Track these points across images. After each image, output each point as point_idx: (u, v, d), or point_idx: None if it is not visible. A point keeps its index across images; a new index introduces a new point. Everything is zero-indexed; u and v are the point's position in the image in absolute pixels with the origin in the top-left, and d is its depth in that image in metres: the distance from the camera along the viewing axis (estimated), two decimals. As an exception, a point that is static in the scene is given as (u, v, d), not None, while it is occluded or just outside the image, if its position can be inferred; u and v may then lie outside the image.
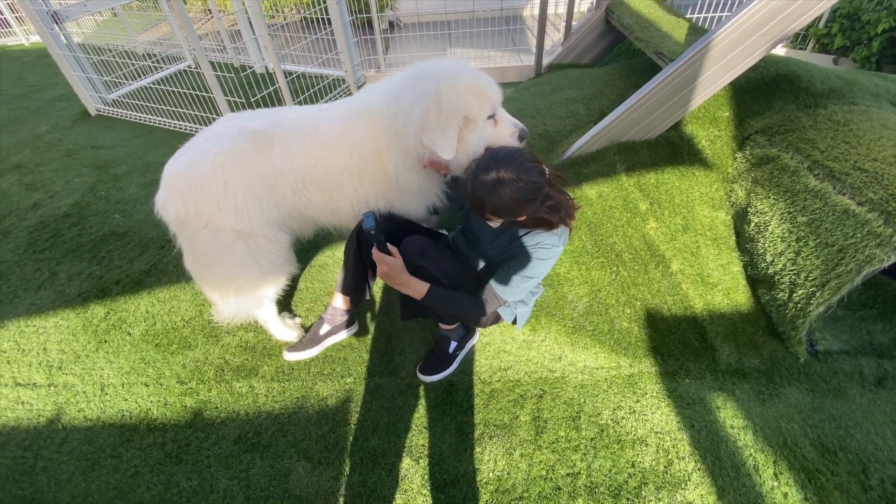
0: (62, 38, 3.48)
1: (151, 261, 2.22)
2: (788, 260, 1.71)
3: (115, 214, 2.56)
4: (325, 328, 1.78)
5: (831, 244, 1.60)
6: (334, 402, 1.68)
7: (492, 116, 1.39)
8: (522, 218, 1.27)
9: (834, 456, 1.49)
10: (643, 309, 1.83)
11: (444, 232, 1.88)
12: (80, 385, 1.75)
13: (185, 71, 4.05)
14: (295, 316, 1.96)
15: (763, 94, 2.12)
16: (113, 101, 3.79)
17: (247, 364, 1.80)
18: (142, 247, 2.31)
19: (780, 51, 3.99)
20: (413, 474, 1.48)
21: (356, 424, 1.62)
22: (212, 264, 1.58)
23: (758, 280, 1.86)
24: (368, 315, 1.95)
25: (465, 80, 1.33)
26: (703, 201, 1.98)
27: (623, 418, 1.59)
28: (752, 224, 1.88)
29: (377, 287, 2.07)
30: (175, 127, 3.50)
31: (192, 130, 3.43)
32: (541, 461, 1.49)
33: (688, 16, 2.65)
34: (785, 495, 1.40)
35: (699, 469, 1.46)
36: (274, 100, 3.31)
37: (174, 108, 3.43)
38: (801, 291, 1.65)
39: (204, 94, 3.20)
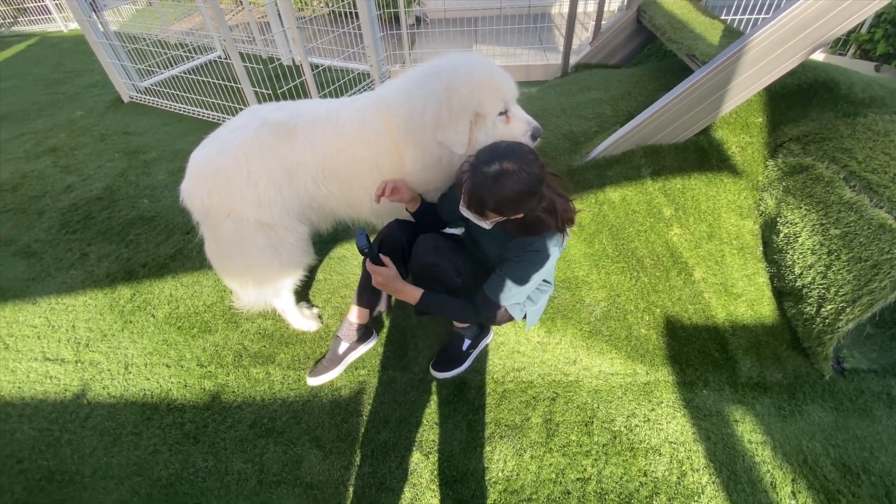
0: (99, 25, 3.59)
1: (177, 246, 2.28)
2: (818, 273, 1.66)
3: (144, 199, 2.63)
4: (343, 346, 1.75)
5: (865, 259, 1.54)
6: (347, 392, 1.70)
7: (504, 113, 1.37)
8: (519, 216, 1.25)
9: (856, 477, 1.44)
10: (663, 316, 1.79)
11: (458, 231, 1.87)
12: (105, 363, 1.81)
13: (215, 61, 4.12)
14: (312, 306, 1.99)
15: (799, 101, 2.05)
16: (145, 88, 3.89)
17: (264, 351, 1.83)
18: (168, 232, 2.37)
19: (818, 56, 3.84)
20: (422, 469, 1.49)
21: (368, 416, 1.64)
22: (233, 254, 1.61)
23: (784, 293, 1.81)
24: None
25: (476, 74, 1.32)
26: (730, 209, 1.93)
27: (637, 426, 1.57)
28: (782, 235, 1.82)
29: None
30: (203, 116, 3.58)
31: (219, 120, 3.50)
32: (551, 464, 1.48)
33: (722, 17, 2.57)
34: (802, 515, 1.37)
35: (714, 482, 1.43)
36: (300, 92, 3.35)
37: (203, 98, 3.50)
38: (830, 306, 1.59)
39: (232, 84, 3.25)
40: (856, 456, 1.49)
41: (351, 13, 3.62)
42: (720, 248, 1.88)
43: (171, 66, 4.05)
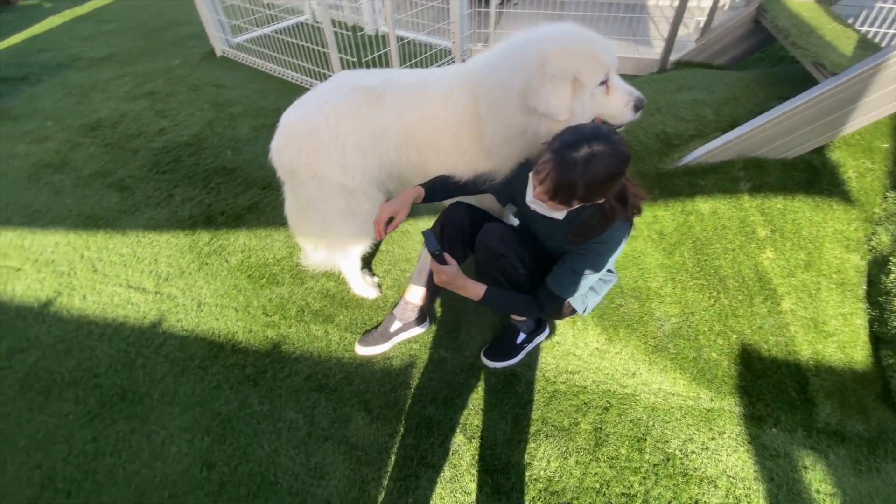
0: (204, -21, 3.75)
1: (253, 199, 2.38)
2: (932, 325, 1.47)
3: (228, 151, 2.77)
4: (395, 325, 1.75)
5: None
6: (398, 363, 1.73)
7: (603, 83, 1.28)
8: (601, 201, 1.19)
9: (941, 556, 1.29)
10: (739, 343, 1.67)
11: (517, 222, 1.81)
12: (181, 297, 1.94)
13: (303, 24, 4.22)
14: (374, 275, 2.03)
15: (938, 129, 1.80)
16: (237, 44, 4.05)
17: (325, 310, 1.89)
18: (247, 184, 2.49)
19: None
20: (464, 451, 1.50)
21: (416, 390, 1.65)
22: (312, 214, 1.65)
23: (884, 340, 1.62)
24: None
25: (573, 42, 1.23)
26: (835, 239, 1.74)
27: (693, 452, 1.49)
28: (892, 275, 1.63)
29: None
30: (288, 77, 3.68)
31: (302, 82, 3.59)
32: (596, 473, 1.44)
33: (855, 27, 2.29)
34: (872, 583, 1.24)
35: (772, 527, 1.33)
36: (383, 62, 3.36)
37: (290, 59, 3.60)
38: (941, 364, 1.42)
39: (319, 48, 3.32)
40: (943, 532, 1.34)
41: (441, -13, 3.57)
42: (817, 281, 1.71)
43: (263, 24, 4.18)
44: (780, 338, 1.70)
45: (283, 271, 2.03)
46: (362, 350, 1.76)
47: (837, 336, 1.66)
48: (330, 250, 1.77)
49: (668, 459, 1.47)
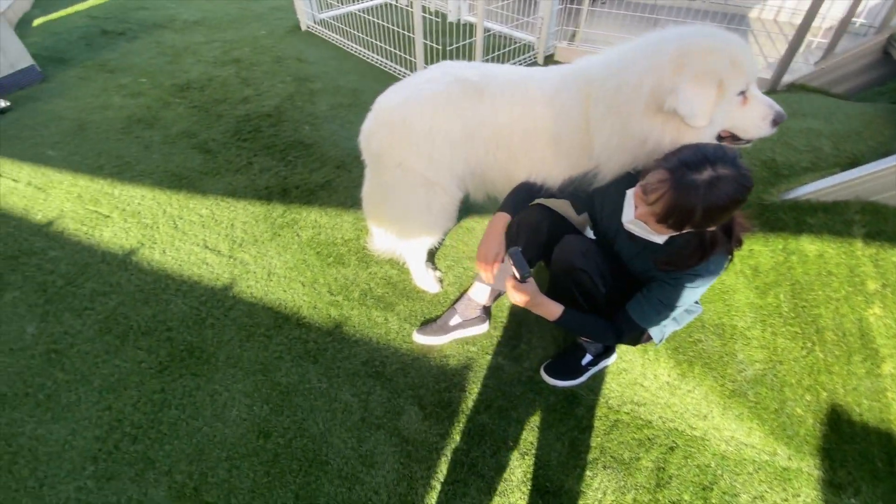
0: (299, -47, 3.82)
1: (327, 177, 2.41)
2: None
3: (306, 126, 2.81)
4: (455, 319, 1.72)
5: None
6: (455, 363, 1.70)
7: (741, 93, 1.15)
8: (712, 228, 1.09)
9: None
10: (828, 402, 1.52)
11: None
12: (252, 265, 1.99)
13: (388, 5, 4.22)
14: (437, 269, 2.00)
15: None
16: (321, 20, 4.11)
17: (386, 297, 1.89)
18: (321, 161, 2.52)
19: None
20: (516, 467, 1.45)
21: (470, 394, 1.62)
22: (391, 201, 1.64)
23: None
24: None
25: (719, 43, 1.11)
26: (961, 305, 1.55)
27: (764, 512, 1.37)
28: None
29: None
30: (369, 58, 3.70)
31: (381, 64, 3.60)
32: (655, 515, 1.36)
33: None
34: None
35: None
36: (467, 52, 3.30)
37: (372, 40, 3.61)
38: None
39: (403, 31, 3.30)
40: None
41: (534, -20, 3.45)
42: (931, 348, 1.53)
43: (350, 2, 4.22)
44: (875, 403, 1.53)
45: (349, 252, 2.04)
46: (420, 338, 1.74)
47: (948, 413, 1.48)
48: (401, 238, 1.76)
49: (736, 515, 1.36)
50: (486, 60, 3.34)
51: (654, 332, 1.37)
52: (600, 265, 1.33)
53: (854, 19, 2.52)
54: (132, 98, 3.13)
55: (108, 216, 2.20)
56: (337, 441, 1.49)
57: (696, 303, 1.42)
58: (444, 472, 1.43)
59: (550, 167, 1.45)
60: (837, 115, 2.10)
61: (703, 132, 1.14)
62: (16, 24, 4.13)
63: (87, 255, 2.01)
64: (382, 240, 1.88)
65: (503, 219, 1.40)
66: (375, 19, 3.59)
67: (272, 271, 1.96)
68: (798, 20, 4.13)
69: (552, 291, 1.36)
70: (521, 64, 3.56)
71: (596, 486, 1.41)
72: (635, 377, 1.65)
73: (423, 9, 4.11)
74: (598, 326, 1.34)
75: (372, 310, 1.84)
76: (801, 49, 3.09)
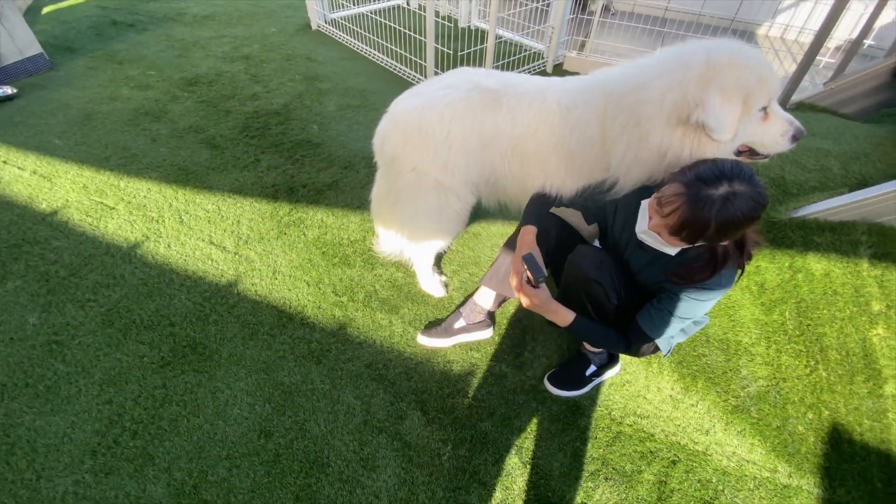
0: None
1: (335, 177, 2.40)
2: None
3: (314, 125, 2.81)
4: (459, 323, 1.73)
5: None
6: (458, 369, 1.70)
7: (763, 108, 1.17)
8: (725, 243, 1.11)
9: None
10: (830, 421, 1.53)
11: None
12: (258, 262, 1.98)
13: (398, 7, 4.23)
14: (443, 274, 2.00)
15: None
16: (332, 20, 4.12)
17: (391, 300, 1.88)
18: (329, 161, 2.52)
19: None
20: (517, 476, 1.45)
21: (473, 401, 1.62)
22: (402, 204, 1.64)
23: None
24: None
25: (745, 59, 1.12)
26: (963, 329, 1.56)
27: (765, 530, 1.37)
28: None
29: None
30: (379, 60, 3.71)
31: (390, 66, 3.61)
32: (655, 529, 1.36)
33: None
34: None
35: None
36: (478, 58, 3.31)
37: (382, 42, 3.62)
38: None
39: (414, 35, 3.31)
40: None
41: (546, -11, 3.47)
42: (933, 371, 1.53)
43: (360, 3, 4.23)
44: (877, 423, 1.54)
45: (355, 253, 2.04)
46: (424, 340, 1.74)
47: (948, 437, 1.49)
48: (410, 241, 1.76)
49: (736, 532, 1.36)
50: (497, 67, 3.35)
51: (662, 344, 1.38)
52: (613, 277, 1.33)
53: (864, 41, 2.55)
54: (140, 90, 3.12)
55: (114, 208, 2.19)
56: (338, 443, 1.48)
57: (703, 315, 1.42)
58: (446, 478, 1.43)
59: (564, 178, 1.45)
60: (846, 135, 2.12)
61: (723, 146, 1.15)
62: (25, 12, 4.11)
63: (91, 246, 2.00)
64: (389, 242, 1.88)
65: (532, 232, 1.40)
66: (386, 21, 3.60)
67: (277, 269, 1.95)
68: (805, 39, 4.18)
69: (562, 300, 1.37)
70: (530, 72, 3.58)
71: (597, 498, 1.41)
72: (639, 389, 1.65)
73: (435, 13, 4.13)
74: (608, 335, 1.34)
75: (376, 312, 1.84)
76: (810, 68, 3.12)
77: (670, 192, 1.07)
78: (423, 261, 1.85)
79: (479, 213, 2.25)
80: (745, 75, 1.10)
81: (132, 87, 3.16)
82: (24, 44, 3.11)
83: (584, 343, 1.63)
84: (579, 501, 1.40)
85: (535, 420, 1.57)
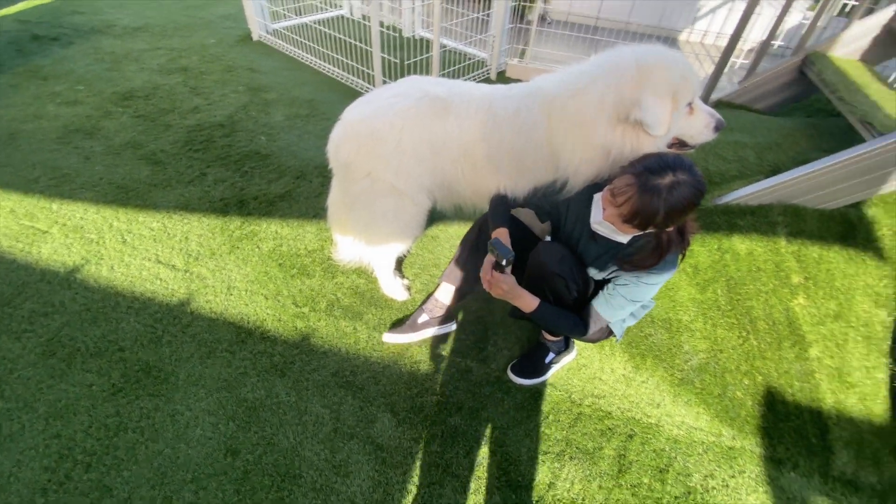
0: (250, -38, 3.76)
1: (287, 187, 2.38)
2: (956, 387, 1.51)
3: (261, 136, 2.76)
4: (423, 317, 1.78)
5: None
6: (425, 369, 1.73)
7: (689, 104, 1.30)
8: (670, 229, 1.23)
9: None
10: (764, 385, 1.70)
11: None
12: (210, 279, 1.93)
13: (341, 17, 4.24)
14: (404, 277, 2.03)
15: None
16: (275, 30, 4.06)
17: (354, 307, 1.89)
18: (280, 172, 2.48)
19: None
20: (488, 464, 1.50)
21: (441, 397, 1.65)
22: (358, 210, 1.66)
23: (904, 396, 1.66)
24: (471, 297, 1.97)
25: (671, 61, 1.25)
26: (865, 293, 1.78)
27: (714, 488, 1.50)
28: (918, 334, 1.67)
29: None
30: (323, 69, 3.69)
31: (337, 76, 3.60)
32: (618, 500, 1.45)
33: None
34: None
35: (790, 571, 1.35)
36: (424, 67, 3.38)
37: (327, 52, 3.61)
38: (963, 427, 1.45)
39: (360, 44, 3.33)
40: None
41: (486, -1, 3.61)
42: (844, 332, 1.74)
43: (302, 14, 4.20)
44: (805, 384, 1.72)
45: (314, 263, 2.03)
46: (390, 338, 1.77)
47: (859, 388, 1.69)
48: (369, 246, 1.77)
49: (689, 493, 1.48)
50: (443, 75, 3.44)
51: (616, 328, 1.48)
52: (574, 272, 1.43)
53: (773, 42, 2.85)
54: (68, 106, 2.94)
55: (47, 231, 2.05)
56: (309, 454, 1.47)
57: (651, 298, 1.55)
58: (420, 475, 1.45)
59: (516, 181, 1.53)
60: (760, 128, 2.37)
61: (658, 140, 1.27)
62: (-74, 25, 3.75)
63: (23, 273, 1.86)
64: (348, 249, 1.89)
65: (503, 233, 1.46)
66: (331, 31, 3.60)
67: (232, 285, 1.91)
68: (722, 43, 4.58)
69: None
70: (475, 79, 3.69)
71: (564, 477, 1.48)
72: (594, 372, 1.75)
73: (379, 23, 4.17)
74: (569, 320, 1.43)
75: (340, 320, 1.84)
76: (726, 69, 3.43)
77: (622, 184, 1.18)
78: (384, 265, 1.87)
79: (436, 217, 2.30)
80: (672, 75, 1.23)
81: (59, 103, 2.97)
82: (-72, 60, 2.84)
83: (543, 333, 1.71)
84: (548, 482, 1.47)
85: (501, 410, 1.63)
